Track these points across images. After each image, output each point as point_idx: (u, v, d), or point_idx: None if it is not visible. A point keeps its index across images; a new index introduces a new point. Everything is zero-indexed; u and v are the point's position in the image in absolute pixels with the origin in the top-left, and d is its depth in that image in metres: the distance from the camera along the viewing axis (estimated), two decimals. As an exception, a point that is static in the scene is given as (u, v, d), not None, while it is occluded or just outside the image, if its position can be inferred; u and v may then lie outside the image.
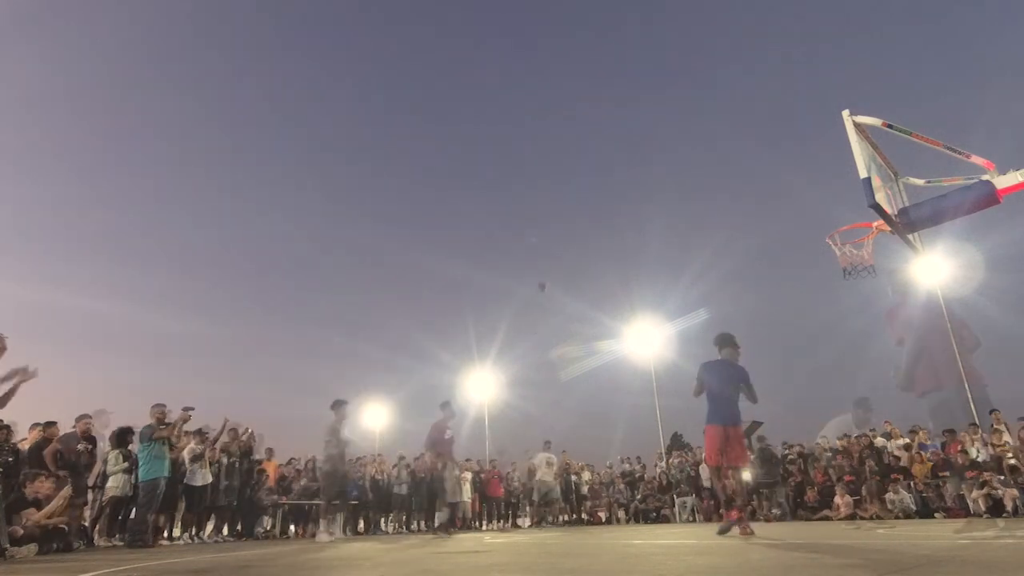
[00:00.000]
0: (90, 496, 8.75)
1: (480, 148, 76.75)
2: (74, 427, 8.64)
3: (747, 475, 6.96)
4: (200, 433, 9.81)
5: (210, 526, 10.20)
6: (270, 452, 12.55)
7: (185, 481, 9.28)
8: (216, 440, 10.02)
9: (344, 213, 72.21)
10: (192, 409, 8.97)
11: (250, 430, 11.07)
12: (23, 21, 54.99)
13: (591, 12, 71.50)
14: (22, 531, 6.20)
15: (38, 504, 6.72)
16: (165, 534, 9.13)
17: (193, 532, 9.62)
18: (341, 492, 9.20)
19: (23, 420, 8.64)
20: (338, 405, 8.95)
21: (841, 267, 6.15)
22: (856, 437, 13.44)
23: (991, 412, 12.13)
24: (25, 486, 6.88)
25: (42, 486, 6.88)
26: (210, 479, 9.68)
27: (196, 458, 9.45)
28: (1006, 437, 10.84)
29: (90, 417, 8.90)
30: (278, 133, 74.70)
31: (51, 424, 8.28)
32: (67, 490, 7.12)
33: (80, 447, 8.45)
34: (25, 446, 8.08)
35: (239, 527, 10.79)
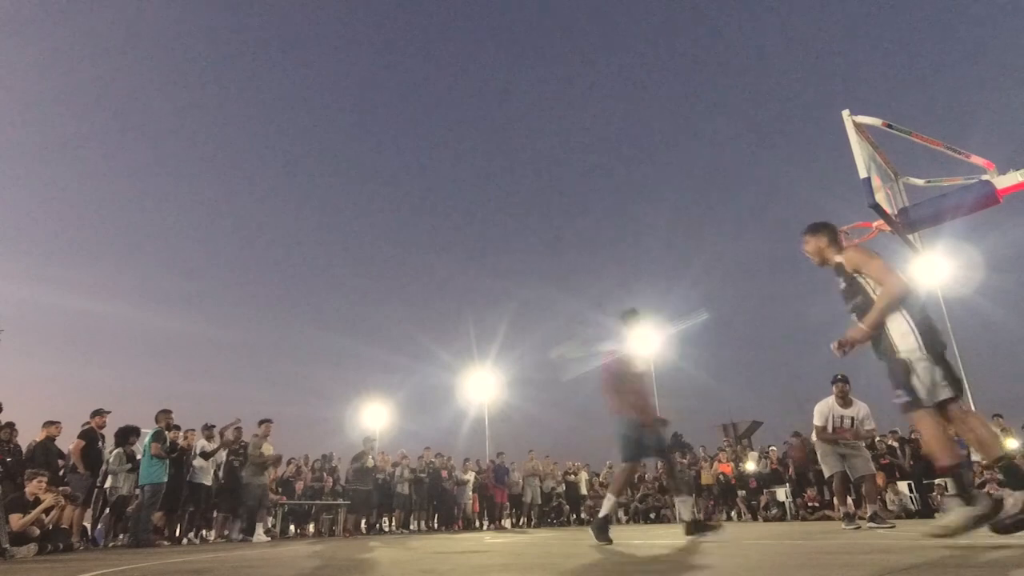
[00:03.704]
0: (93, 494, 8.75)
1: (480, 148, 76.77)
2: (88, 423, 8.59)
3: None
4: (207, 429, 9.80)
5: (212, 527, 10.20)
6: (271, 452, 12.54)
7: (189, 479, 9.28)
8: (222, 434, 10.00)
9: (343, 213, 72.25)
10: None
11: (239, 420, 10.87)
12: (22, 21, 55.06)
13: (591, 12, 71.54)
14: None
15: (36, 504, 6.72)
16: (166, 533, 9.14)
17: (194, 532, 9.63)
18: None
19: (22, 419, 8.66)
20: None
21: (841, 267, 6.12)
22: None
23: (994, 416, 12.10)
24: (26, 484, 6.87)
25: (39, 487, 6.89)
26: (211, 478, 9.68)
27: (206, 455, 9.42)
28: (1011, 440, 10.88)
29: (108, 412, 8.77)
30: (276, 133, 74.70)
31: (53, 423, 8.29)
32: (54, 498, 6.99)
33: (100, 444, 8.49)
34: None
35: (240, 527, 10.78)
